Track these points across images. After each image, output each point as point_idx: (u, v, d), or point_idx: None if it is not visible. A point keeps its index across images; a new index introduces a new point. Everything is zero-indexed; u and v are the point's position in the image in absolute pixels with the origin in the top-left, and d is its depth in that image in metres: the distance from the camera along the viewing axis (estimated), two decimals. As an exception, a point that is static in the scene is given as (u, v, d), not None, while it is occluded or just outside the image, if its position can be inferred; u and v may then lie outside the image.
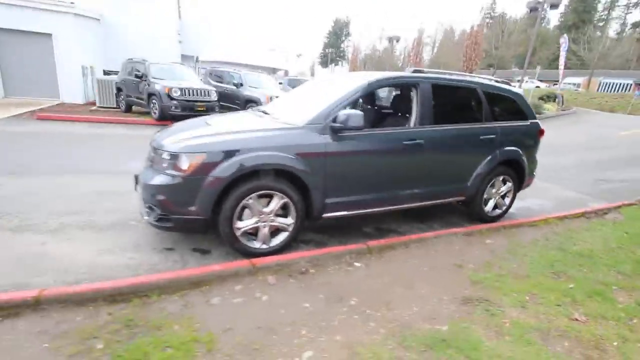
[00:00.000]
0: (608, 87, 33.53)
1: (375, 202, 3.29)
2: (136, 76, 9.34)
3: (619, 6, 47.96)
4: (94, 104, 11.57)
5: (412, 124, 3.41)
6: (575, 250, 3.34)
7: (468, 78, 3.87)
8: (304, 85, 4.19)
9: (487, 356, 1.82)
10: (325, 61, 58.74)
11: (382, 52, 68.73)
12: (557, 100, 17.63)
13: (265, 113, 3.41)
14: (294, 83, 12.59)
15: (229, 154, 2.61)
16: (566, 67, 19.00)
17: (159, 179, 2.67)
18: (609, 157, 8.63)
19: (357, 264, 2.87)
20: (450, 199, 3.82)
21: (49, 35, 11.19)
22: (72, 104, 11.30)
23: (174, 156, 2.62)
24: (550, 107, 17.23)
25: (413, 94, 3.41)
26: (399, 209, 3.52)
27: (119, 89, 10.47)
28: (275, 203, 2.82)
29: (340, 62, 59.03)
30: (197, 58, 18.61)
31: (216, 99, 9.47)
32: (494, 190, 4.04)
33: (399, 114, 4.18)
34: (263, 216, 2.83)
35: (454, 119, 3.61)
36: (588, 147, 9.98)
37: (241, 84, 10.46)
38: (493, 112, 3.85)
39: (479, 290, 2.53)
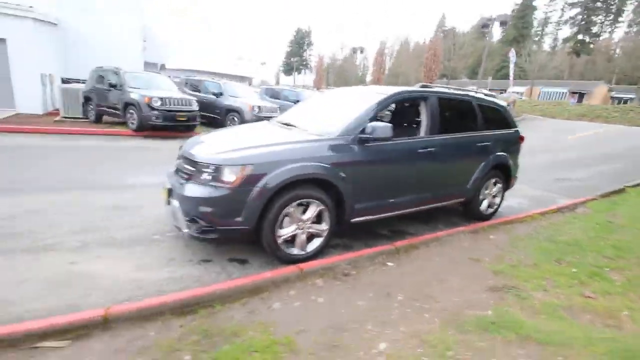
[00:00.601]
0: (547, 96, 37.51)
1: (395, 205, 3.56)
2: (110, 85, 8.91)
3: (550, 23, 53.98)
4: (55, 114, 10.78)
5: (422, 133, 3.74)
6: (564, 241, 3.85)
7: (464, 92, 4.32)
8: (317, 98, 4.40)
9: (534, 332, 2.13)
10: (288, 69, 59.17)
11: (342, 61, 70.66)
12: (508, 107, 19.42)
13: (290, 125, 3.56)
14: (270, 92, 12.70)
15: (275, 165, 2.74)
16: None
17: (203, 192, 2.71)
18: (563, 159, 9.75)
19: (389, 264, 3.11)
20: (454, 201, 4.21)
21: (3, 40, 10.29)
22: (31, 115, 10.44)
23: (219, 168, 2.69)
24: (503, 114, 18.91)
25: (422, 106, 3.76)
26: (413, 212, 3.82)
27: (87, 99, 9.88)
28: (313, 210, 2.98)
29: (303, 71, 59.84)
30: (162, 65, 17.98)
31: (197, 108, 9.31)
32: (487, 192, 4.51)
33: (405, 124, 4.52)
34: (301, 223, 2.97)
35: (456, 128, 4.01)
36: (543, 150, 11.16)
37: (221, 94, 10.37)
38: (485, 122, 4.33)
39: (503, 280, 2.87)
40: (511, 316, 2.31)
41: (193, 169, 2.86)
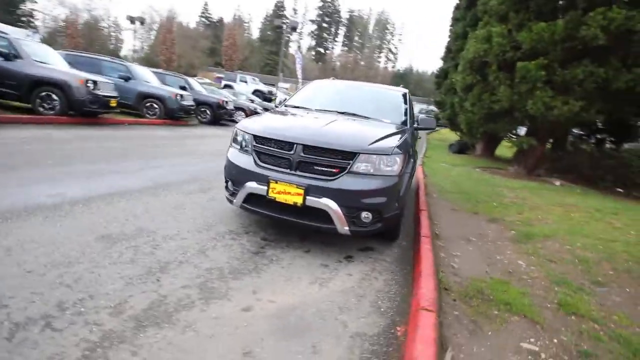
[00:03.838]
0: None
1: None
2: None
3: (279, 31, 66.51)
4: None
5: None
6: (457, 191, 6.07)
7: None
8: (327, 89, 4.41)
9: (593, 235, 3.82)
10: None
11: (83, 25, 56.01)
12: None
13: (357, 115, 3.53)
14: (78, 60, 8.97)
15: (409, 151, 3.01)
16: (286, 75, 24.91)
17: (373, 183, 2.59)
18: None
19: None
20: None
21: None
22: None
23: (387, 157, 2.64)
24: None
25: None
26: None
27: None
28: (404, 189, 3.41)
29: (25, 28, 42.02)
30: None
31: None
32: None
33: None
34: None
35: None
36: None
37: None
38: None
39: (495, 216, 4.50)
40: (567, 228, 3.94)
41: (346, 160, 2.57)
